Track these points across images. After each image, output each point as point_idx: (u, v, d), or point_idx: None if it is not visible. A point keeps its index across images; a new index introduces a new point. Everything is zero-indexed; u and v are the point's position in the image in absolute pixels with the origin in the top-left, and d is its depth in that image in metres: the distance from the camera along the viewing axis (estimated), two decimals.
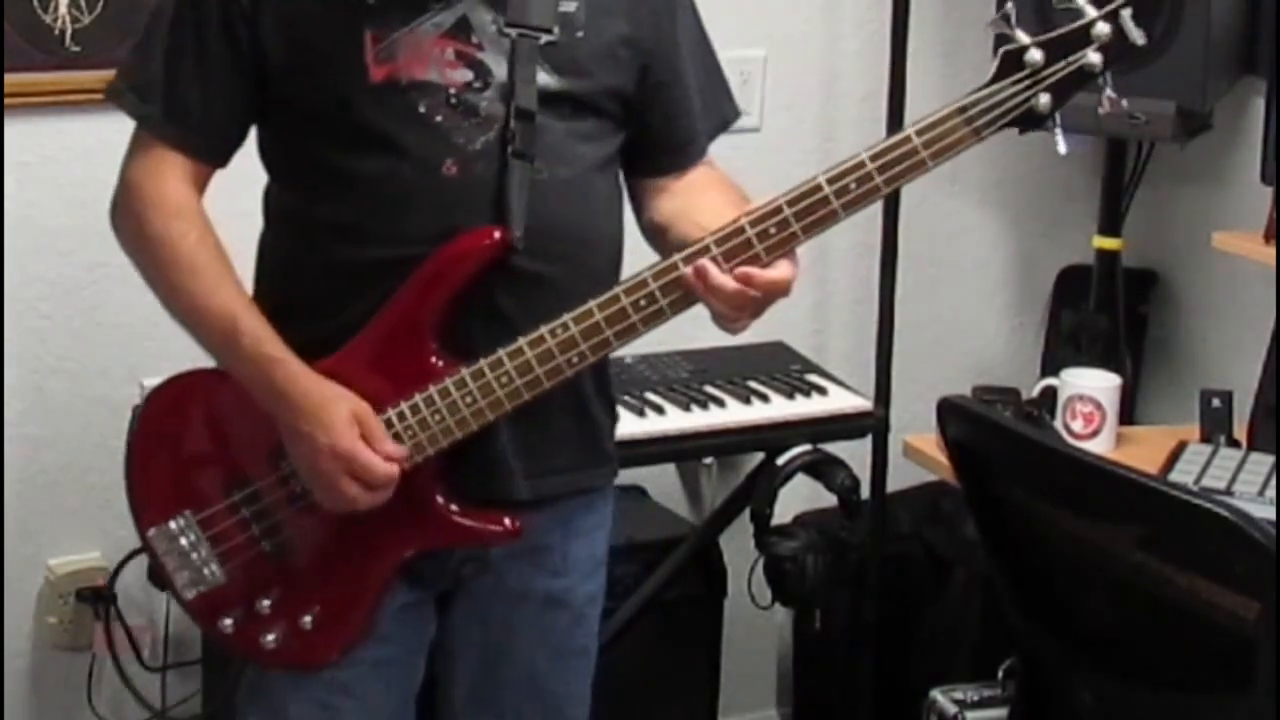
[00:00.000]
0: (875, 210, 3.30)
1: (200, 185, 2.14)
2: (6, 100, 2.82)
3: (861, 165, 1.98)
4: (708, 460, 3.42)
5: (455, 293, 2.05)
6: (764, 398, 3.02)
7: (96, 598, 3.01)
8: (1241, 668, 2.20)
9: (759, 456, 3.09)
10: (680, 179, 2.23)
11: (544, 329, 2.03)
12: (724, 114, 2.29)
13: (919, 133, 1.97)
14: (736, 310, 2.03)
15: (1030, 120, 1.98)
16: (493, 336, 2.05)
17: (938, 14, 3.42)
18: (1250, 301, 3.32)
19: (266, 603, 2.15)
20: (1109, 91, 1.97)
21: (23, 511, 2.98)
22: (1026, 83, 1.96)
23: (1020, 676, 2.87)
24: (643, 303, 2.02)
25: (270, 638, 2.15)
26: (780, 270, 2.02)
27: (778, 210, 1.99)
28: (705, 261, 1.99)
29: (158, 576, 2.23)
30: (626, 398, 2.96)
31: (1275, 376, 3.02)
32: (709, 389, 3.03)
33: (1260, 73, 3.19)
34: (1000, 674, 3.10)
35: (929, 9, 3.38)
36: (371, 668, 2.19)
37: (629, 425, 2.90)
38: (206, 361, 2.17)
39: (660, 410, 2.95)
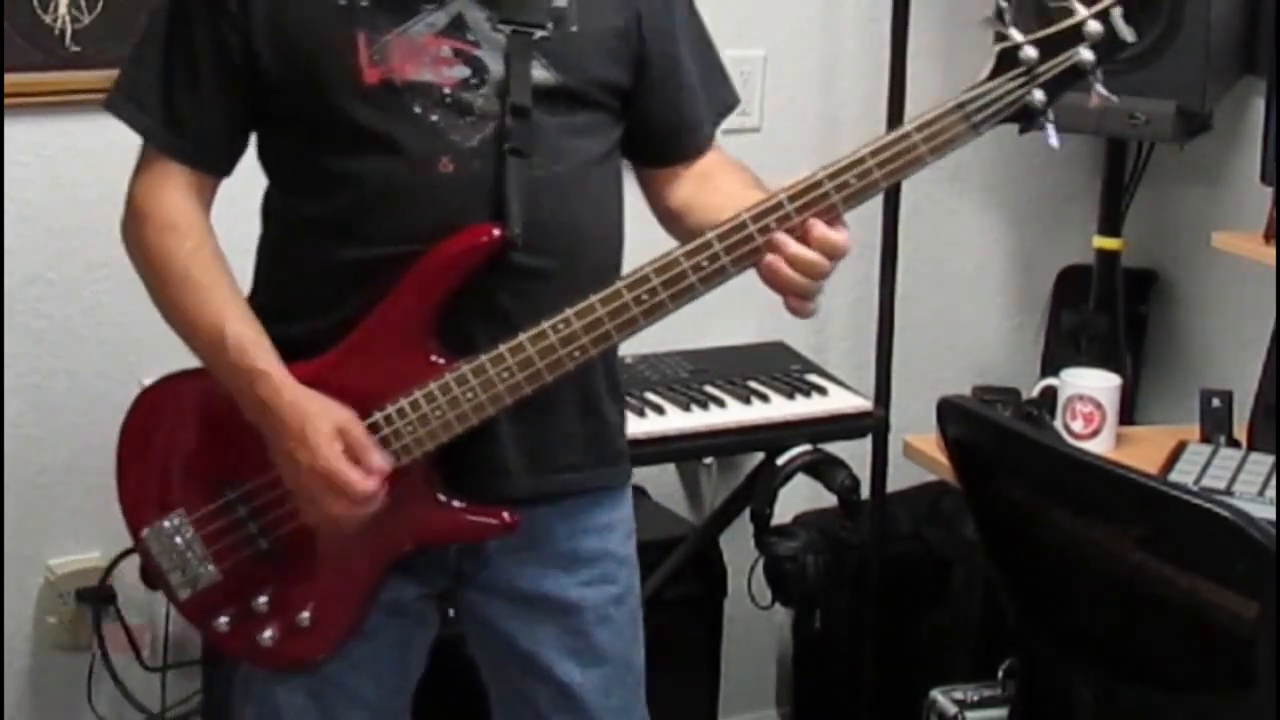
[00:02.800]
0: (875, 210, 3.30)
1: (203, 196, 2.13)
2: (7, 100, 2.82)
3: (862, 161, 2.00)
4: (708, 460, 3.42)
5: (452, 290, 2.04)
6: (764, 398, 3.02)
7: (96, 598, 3.01)
8: (1241, 668, 2.20)
9: (759, 456, 3.09)
10: (692, 165, 2.24)
11: (545, 324, 2.03)
12: (725, 101, 2.30)
13: (919, 129, 1.99)
14: (810, 282, 2.02)
15: (1025, 115, 2.00)
16: (492, 333, 2.06)
17: (938, 14, 3.42)
18: (1250, 301, 3.32)
19: (263, 600, 2.15)
20: (1099, 88, 1.99)
21: (23, 511, 2.98)
22: (1022, 79, 1.98)
23: (1020, 676, 2.87)
24: (644, 297, 2.02)
25: (267, 635, 2.14)
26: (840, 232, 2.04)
27: (779, 205, 2.01)
28: (781, 235, 2.01)
29: (150, 578, 2.21)
30: (627, 398, 2.95)
31: (1275, 376, 3.02)
32: (709, 389, 3.03)
33: (1260, 73, 3.19)
34: (1000, 674, 3.10)
35: (929, 9, 3.38)
36: (358, 663, 2.18)
37: (629, 425, 2.89)
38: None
39: (660, 410, 2.95)
